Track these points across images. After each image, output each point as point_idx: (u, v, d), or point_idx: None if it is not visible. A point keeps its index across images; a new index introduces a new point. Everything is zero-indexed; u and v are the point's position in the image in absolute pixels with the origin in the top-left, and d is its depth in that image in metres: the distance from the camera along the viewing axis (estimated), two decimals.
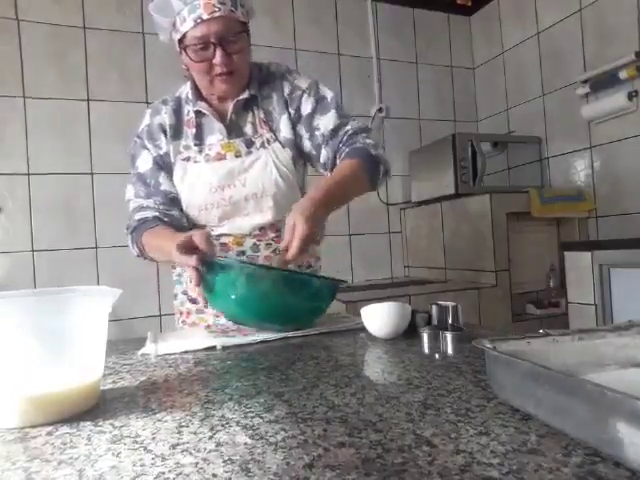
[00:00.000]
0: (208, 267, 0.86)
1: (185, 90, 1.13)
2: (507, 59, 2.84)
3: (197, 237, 0.87)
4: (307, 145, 1.11)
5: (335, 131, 1.08)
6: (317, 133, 1.09)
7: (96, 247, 2.21)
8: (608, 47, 2.21)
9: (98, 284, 2.11)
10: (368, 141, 1.07)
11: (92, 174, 2.22)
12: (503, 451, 0.37)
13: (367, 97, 2.76)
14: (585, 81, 2.29)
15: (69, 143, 2.18)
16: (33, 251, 2.11)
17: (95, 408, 0.54)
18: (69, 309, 0.51)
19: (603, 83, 2.20)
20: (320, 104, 1.10)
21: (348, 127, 1.09)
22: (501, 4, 2.85)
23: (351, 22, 2.76)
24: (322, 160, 1.11)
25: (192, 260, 0.84)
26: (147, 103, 2.28)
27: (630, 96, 2.08)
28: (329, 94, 1.12)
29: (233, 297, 0.86)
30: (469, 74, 3.09)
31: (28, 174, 2.12)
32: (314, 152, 1.11)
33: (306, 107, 1.10)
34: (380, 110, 2.76)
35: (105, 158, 2.21)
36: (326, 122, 1.09)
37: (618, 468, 0.33)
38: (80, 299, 0.54)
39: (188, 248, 0.86)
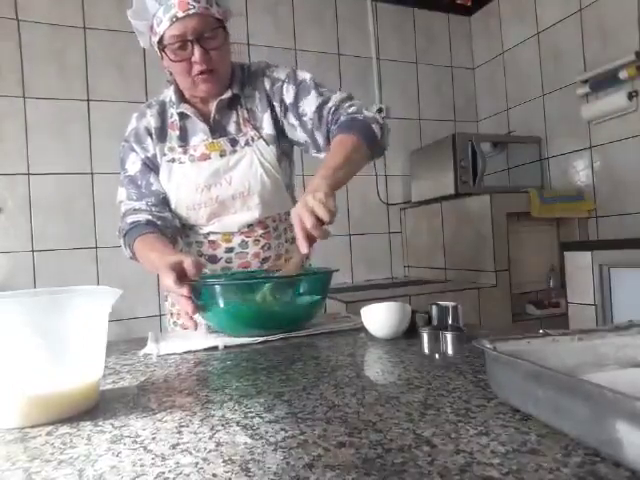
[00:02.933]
0: (198, 291, 0.88)
1: (169, 94, 1.14)
2: (507, 59, 2.84)
3: (187, 263, 0.87)
4: (302, 135, 1.10)
5: (319, 111, 1.06)
6: (305, 119, 1.08)
7: (96, 247, 2.21)
8: (608, 47, 2.21)
9: (98, 284, 2.11)
10: (351, 109, 1.04)
11: (92, 174, 2.22)
12: (503, 451, 0.37)
13: (367, 97, 2.76)
14: (585, 81, 2.29)
15: (69, 143, 2.18)
16: (33, 251, 2.11)
17: (95, 408, 0.54)
18: (69, 309, 0.51)
19: (603, 83, 2.20)
20: (300, 89, 1.09)
21: (330, 103, 1.06)
22: (501, 4, 2.84)
23: (351, 22, 2.76)
24: (321, 143, 1.09)
25: (184, 291, 0.86)
26: None
27: (630, 96, 2.08)
28: (307, 76, 1.11)
29: (228, 314, 0.88)
30: (469, 74, 3.09)
31: (28, 174, 2.12)
32: (309, 140, 1.10)
33: (288, 96, 1.09)
34: (380, 110, 2.76)
35: (105, 158, 2.21)
36: (310, 105, 1.07)
37: (618, 468, 0.33)
38: (80, 299, 0.54)
39: (179, 275, 0.87)
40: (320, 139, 1.08)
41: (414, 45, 2.92)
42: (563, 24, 2.44)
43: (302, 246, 0.80)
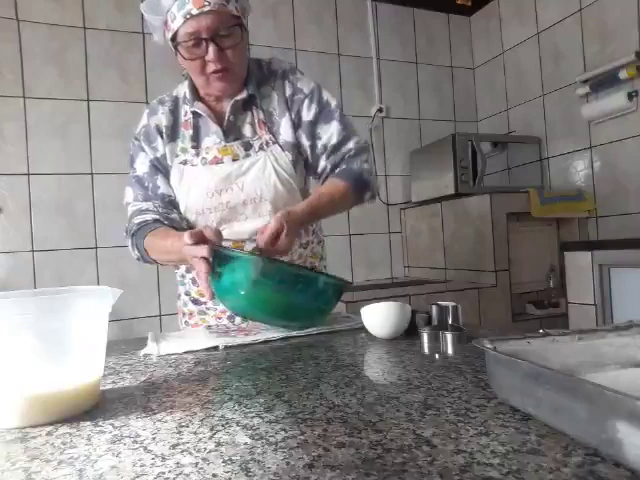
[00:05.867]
0: (217, 259, 0.85)
1: (183, 89, 1.11)
2: (507, 59, 2.84)
3: (208, 230, 0.86)
4: (306, 151, 1.10)
5: (338, 146, 1.08)
6: (318, 143, 1.08)
7: (96, 247, 2.21)
8: (608, 47, 2.21)
9: (98, 284, 2.11)
10: (365, 166, 1.09)
11: (92, 174, 2.22)
12: (503, 451, 0.37)
13: (367, 97, 2.76)
14: (585, 81, 2.29)
15: (69, 143, 2.19)
16: (33, 251, 2.11)
17: (95, 408, 0.54)
18: (69, 309, 0.51)
19: (603, 83, 2.20)
20: (323, 112, 1.08)
21: (350, 145, 1.09)
22: (501, 4, 2.85)
23: (351, 22, 2.76)
24: (319, 170, 1.11)
25: (203, 250, 0.83)
26: (147, 103, 2.26)
27: (630, 96, 2.08)
28: (332, 101, 1.10)
29: (242, 291, 0.85)
30: (469, 74, 3.09)
31: (28, 174, 2.12)
32: (310, 160, 1.11)
33: (308, 113, 1.08)
34: (380, 110, 2.76)
35: (105, 158, 2.21)
36: (329, 134, 1.08)
37: (618, 468, 0.33)
38: (80, 299, 0.54)
39: (199, 240, 0.85)
40: (320, 167, 1.10)
41: (414, 45, 2.92)
42: (563, 24, 2.44)
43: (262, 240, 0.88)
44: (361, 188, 1.08)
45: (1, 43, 2.09)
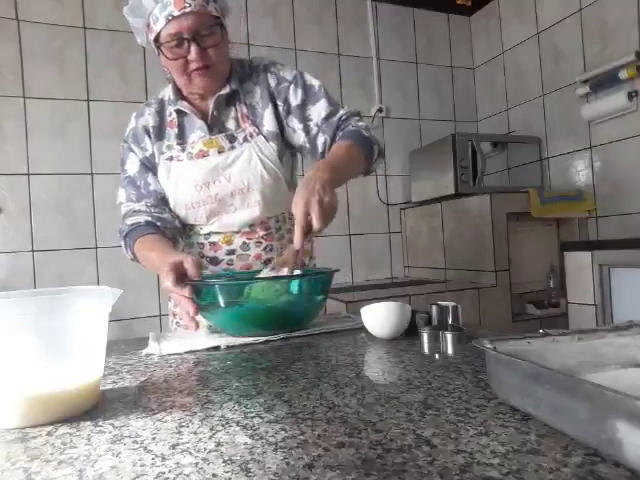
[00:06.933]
0: (199, 291, 0.87)
1: (167, 92, 1.13)
2: (507, 59, 2.84)
3: (188, 264, 0.87)
4: (301, 137, 1.10)
5: (328, 117, 1.08)
6: (310, 124, 1.08)
7: (96, 247, 2.21)
8: (608, 47, 2.21)
9: (98, 284, 2.11)
10: (360, 124, 1.07)
11: (92, 174, 2.22)
12: (503, 451, 0.37)
13: (367, 97, 2.76)
14: (585, 81, 2.29)
15: (69, 143, 2.19)
16: (33, 251, 2.11)
17: (95, 408, 0.54)
18: (69, 309, 0.51)
19: (603, 83, 2.20)
20: (309, 94, 1.09)
21: (341, 112, 1.09)
22: (501, 4, 2.85)
23: (351, 22, 2.76)
24: (320, 149, 1.09)
25: (184, 291, 0.86)
26: None
27: (630, 96, 2.08)
28: (316, 83, 1.11)
29: (230, 315, 0.88)
30: (469, 74, 3.09)
31: (28, 174, 2.12)
32: (308, 145, 1.10)
33: (295, 98, 1.09)
34: (380, 110, 2.76)
35: (105, 158, 2.21)
36: (318, 111, 1.08)
37: (618, 468, 0.33)
38: (80, 299, 0.54)
39: (178, 275, 0.86)
40: (320, 145, 1.09)
41: (414, 45, 2.92)
42: (563, 24, 2.44)
43: (298, 241, 0.82)
44: (366, 143, 1.04)
45: (1, 43, 2.09)
